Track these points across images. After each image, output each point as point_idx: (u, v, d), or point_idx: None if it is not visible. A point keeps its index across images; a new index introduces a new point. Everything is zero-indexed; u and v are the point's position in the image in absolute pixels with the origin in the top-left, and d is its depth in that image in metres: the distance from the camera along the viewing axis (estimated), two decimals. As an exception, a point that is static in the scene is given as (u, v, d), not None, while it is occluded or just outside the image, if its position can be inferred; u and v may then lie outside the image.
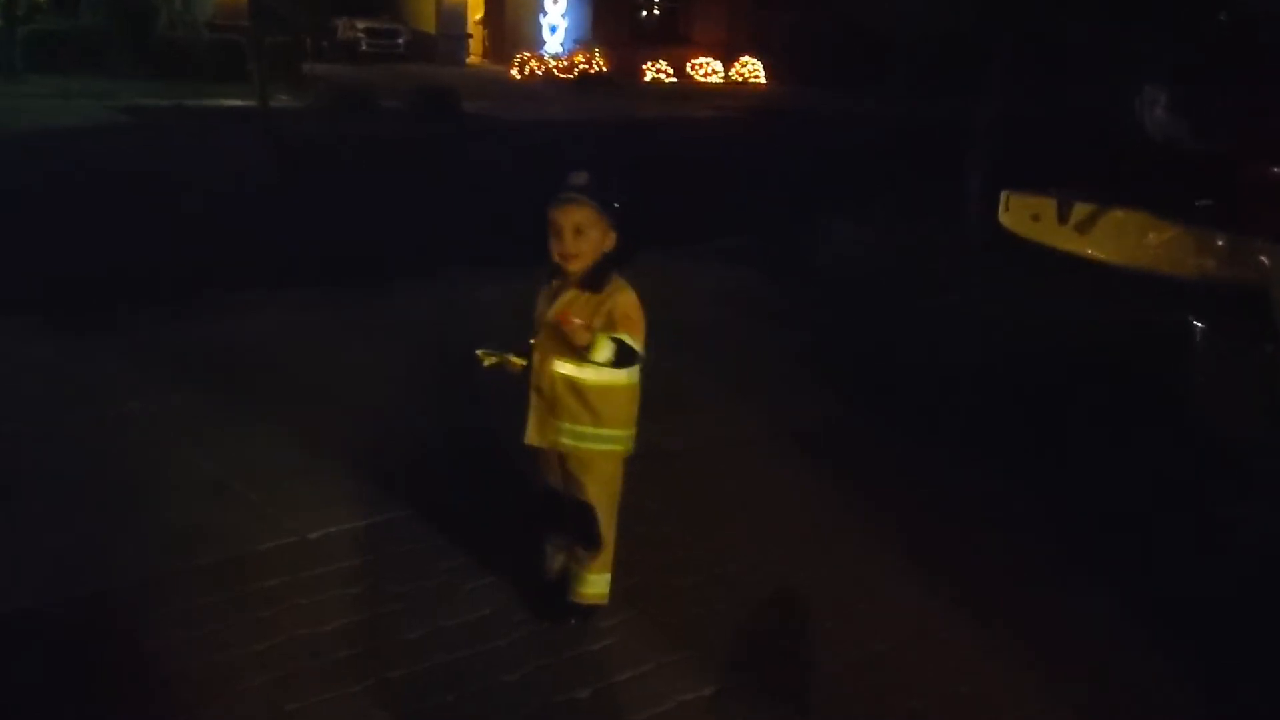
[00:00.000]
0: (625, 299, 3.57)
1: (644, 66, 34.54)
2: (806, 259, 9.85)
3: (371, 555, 4.23)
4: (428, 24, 38.97)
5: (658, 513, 4.67)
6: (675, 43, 36.37)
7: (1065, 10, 12.42)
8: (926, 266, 9.49)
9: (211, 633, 3.67)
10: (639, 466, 5.05)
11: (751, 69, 35.52)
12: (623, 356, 3.53)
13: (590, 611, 3.82)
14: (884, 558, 4.38)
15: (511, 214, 11.05)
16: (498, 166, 14.83)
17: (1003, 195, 4.39)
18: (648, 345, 3.62)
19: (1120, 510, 4.86)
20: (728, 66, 35.62)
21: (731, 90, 33.00)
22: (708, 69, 35.49)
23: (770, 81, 34.98)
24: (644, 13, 37.51)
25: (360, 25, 35.73)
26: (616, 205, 3.60)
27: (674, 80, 34.50)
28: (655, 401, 5.92)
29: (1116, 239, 3.97)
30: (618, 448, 3.76)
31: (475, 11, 40.41)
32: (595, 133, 19.29)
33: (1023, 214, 4.28)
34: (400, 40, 36.64)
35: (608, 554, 3.80)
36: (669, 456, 5.26)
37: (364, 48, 35.22)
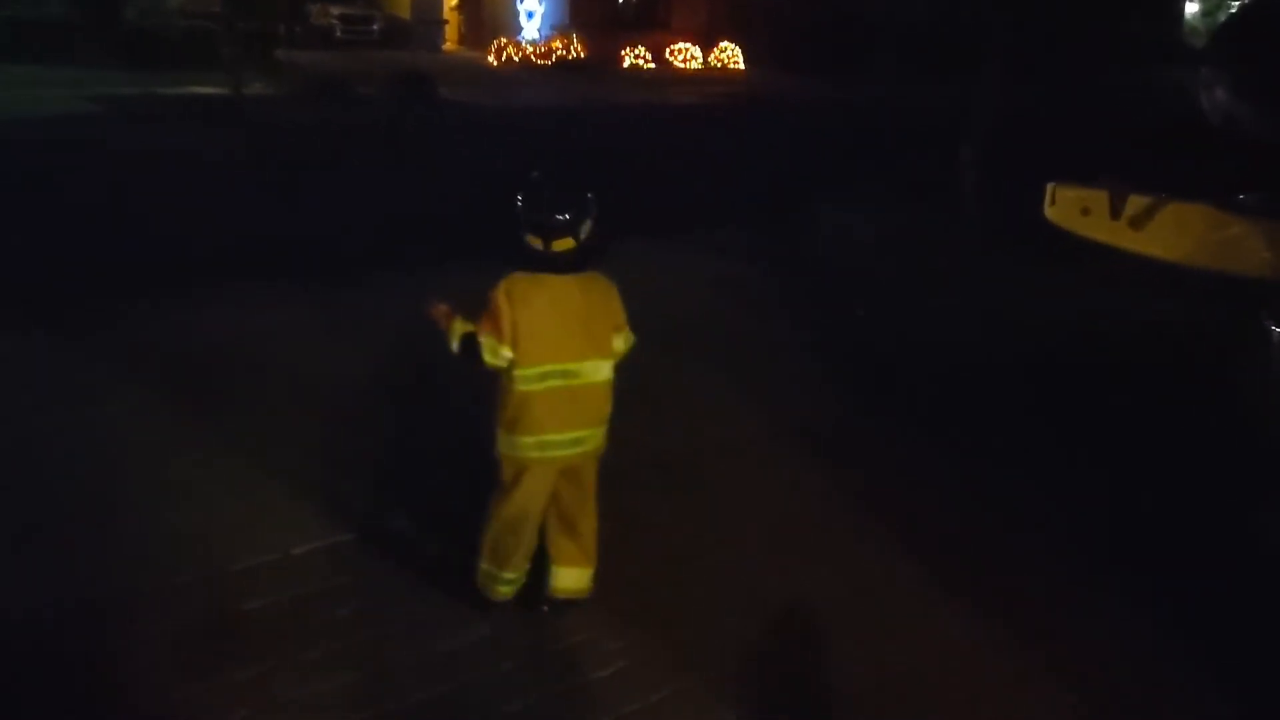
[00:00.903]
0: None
1: (622, 52, 34.12)
2: (799, 250, 9.62)
3: (360, 572, 3.99)
4: (403, 10, 38.43)
5: (664, 522, 4.46)
6: (653, 28, 35.94)
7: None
8: (924, 258, 9.27)
9: (192, 658, 3.43)
10: (640, 472, 4.88)
11: (730, 54, 35.14)
12: (464, 349, 3.48)
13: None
14: (897, 567, 4.18)
15: (494, 204, 10.87)
16: (479, 155, 14.49)
17: (1049, 188, 4.15)
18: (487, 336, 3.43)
19: (1141, 515, 4.66)
20: (706, 52, 35.23)
21: (711, 76, 32.62)
22: (687, 55, 35.07)
23: (749, 67, 34.64)
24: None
25: (335, 11, 35.11)
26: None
27: (653, 66, 34.10)
28: (655, 400, 5.76)
29: (1176, 235, 3.74)
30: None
31: (451, -3, 39.98)
32: (576, 121, 18.97)
33: (1071, 208, 4.04)
34: (375, 26, 36.07)
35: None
36: (672, 460, 5.05)
37: (339, 34, 34.62)
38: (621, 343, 3.57)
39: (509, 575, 3.70)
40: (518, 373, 3.44)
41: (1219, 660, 3.64)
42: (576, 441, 3.55)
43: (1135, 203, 3.81)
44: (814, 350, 6.83)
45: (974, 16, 11.59)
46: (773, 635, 3.74)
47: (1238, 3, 44.83)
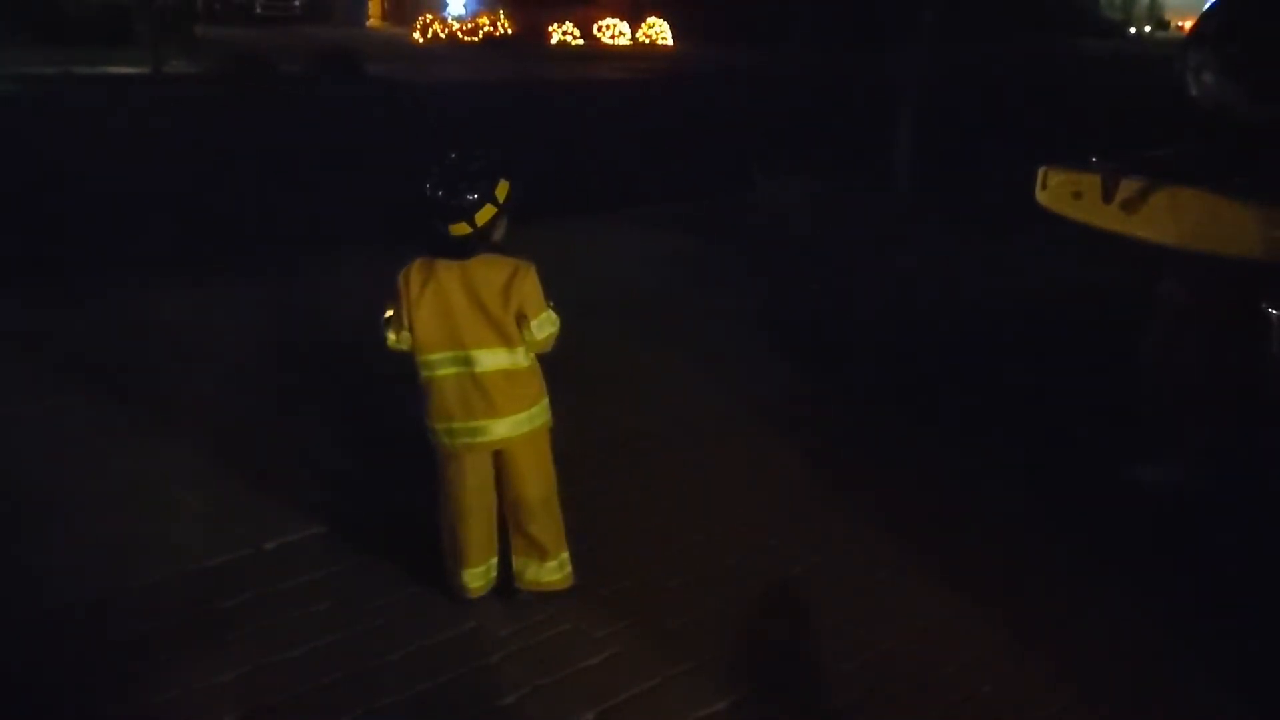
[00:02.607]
0: None
1: (550, 29, 33.92)
2: (739, 223, 9.61)
3: (336, 566, 3.90)
4: (324, -15, 37.86)
5: (639, 504, 4.44)
6: (580, 3, 35.75)
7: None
8: (863, 227, 9.34)
9: (168, 662, 3.33)
10: (611, 453, 4.85)
11: (658, 30, 35.11)
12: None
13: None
14: (876, 544, 4.18)
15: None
16: (408, 133, 14.29)
17: (1040, 171, 4.15)
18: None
19: (1105, 484, 4.72)
20: (634, 27, 35.16)
21: (639, 52, 32.56)
22: (614, 30, 34.99)
23: (678, 42, 34.61)
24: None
25: (254, -14, 34.51)
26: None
27: (581, 42, 33.97)
28: (612, 380, 5.73)
29: (1171, 219, 3.77)
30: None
31: (373, -28, 39.33)
32: (507, 98, 18.79)
33: (1063, 191, 4.05)
34: (296, 2, 35.49)
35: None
36: (639, 440, 5.03)
37: (258, 10, 34.02)
38: (536, 330, 3.41)
39: (470, 570, 3.64)
40: (419, 359, 3.45)
41: (1209, 636, 3.68)
42: (482, 430, 3.47)
43: (1128, 186, 3.83)
44: (762, 323, 6.84)
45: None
46: (759, 617, 3.73)
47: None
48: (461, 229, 3.32)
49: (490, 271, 3.36)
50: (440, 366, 3.43)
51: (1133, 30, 43.21)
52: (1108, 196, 3.86)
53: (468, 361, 3.40)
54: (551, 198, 8.63)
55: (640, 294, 7.26)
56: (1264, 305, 3.49)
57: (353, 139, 14.09)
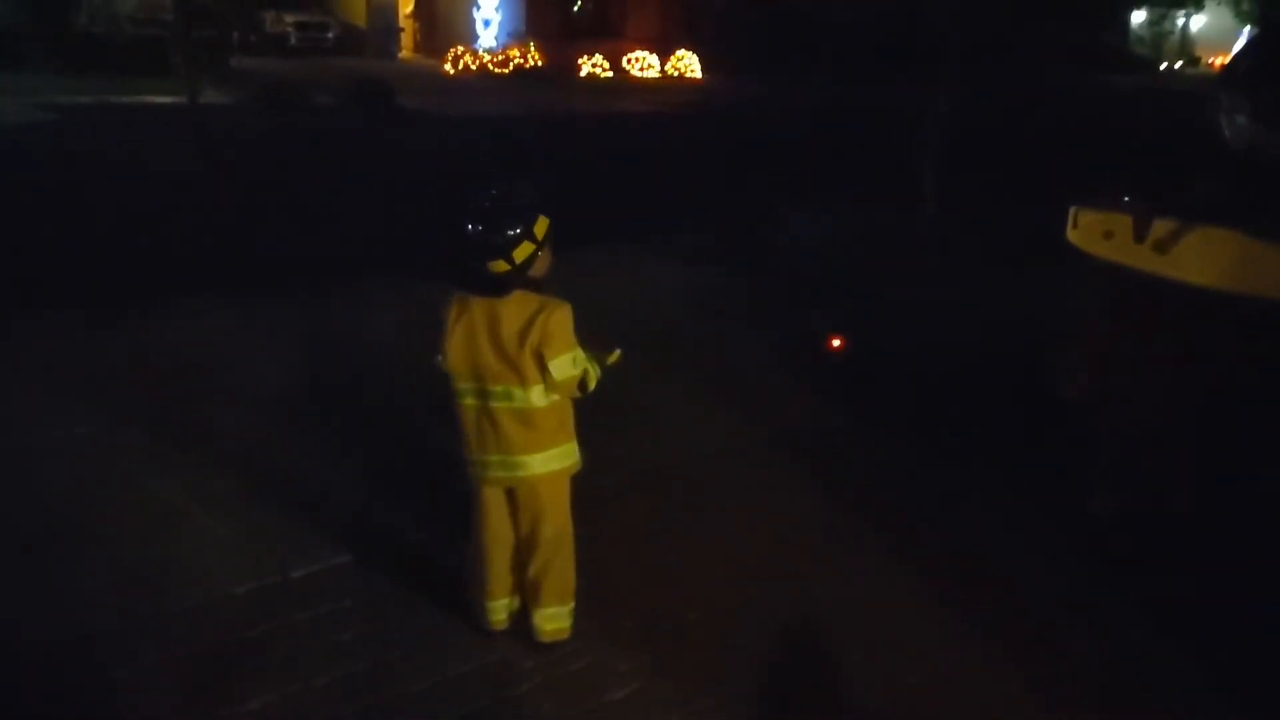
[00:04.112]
0: None
1: (579, 61, 34.14)
2: (765, 255, 9.62)
3: (361, 596, 3.92)
4: (358, 18, 38.18)
5: (657, 537, 4.44)
6: (610, 36, 35.97)
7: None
8: (888, 259, 9.34)
9: (195, 689, 3.35)
10: (628, 486, 4.85)
11: (687, 63, 35.30)
12: None
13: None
14: (899, 577, 4.17)
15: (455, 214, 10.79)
16: (442, 165, 14.41)
17: (1071, 211, 4.15)
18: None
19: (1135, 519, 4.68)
20: (663, 60, 35.34)
21: (669, 85, 32.70)
22: (644, 63, 35.16)
23: (706, 74, 34.77)
24: (577, 6, 37.12)
25: (289, 19, 34.80)
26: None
27: (610, 75, 34.14)
28: (633, 411, 5.73)
29: (1203, 260, 3.76)
30: None
31: (406, 5, 39.66)
32: (541, 130, 18.93)
33: (1094, 231, 4.05)
34: (330, 34, 35.80)
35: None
36: (657, 473, 5.03)
37: (293, 42, 34.33)
38: (555, 371, 3.34)
39: (492, 603, 3.65)
40: (451, 385, 3.49)
41: (1221, 660, 3.66)
42: (501, 464, 3.47)
43: (1160, 226, 3.83)
44: (787, 355, 6.83)
45: (928, 21, 11.75)
46: (782, 650, 3.72)
47: (1183, 15, 45.61)
48: (500, 266, 3.30)
49: (516, 310, 3.35)
50: (465, 396, 3.46)
51: (1163, 66, 43.06)
52: (1139, 237, 3.86)
53: (484, 395, 3.42)
54: (579, 228, 8.67)
55: (664, 325, 7.26)
56: None
57: (383, 169, 14.21)
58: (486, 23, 36.11)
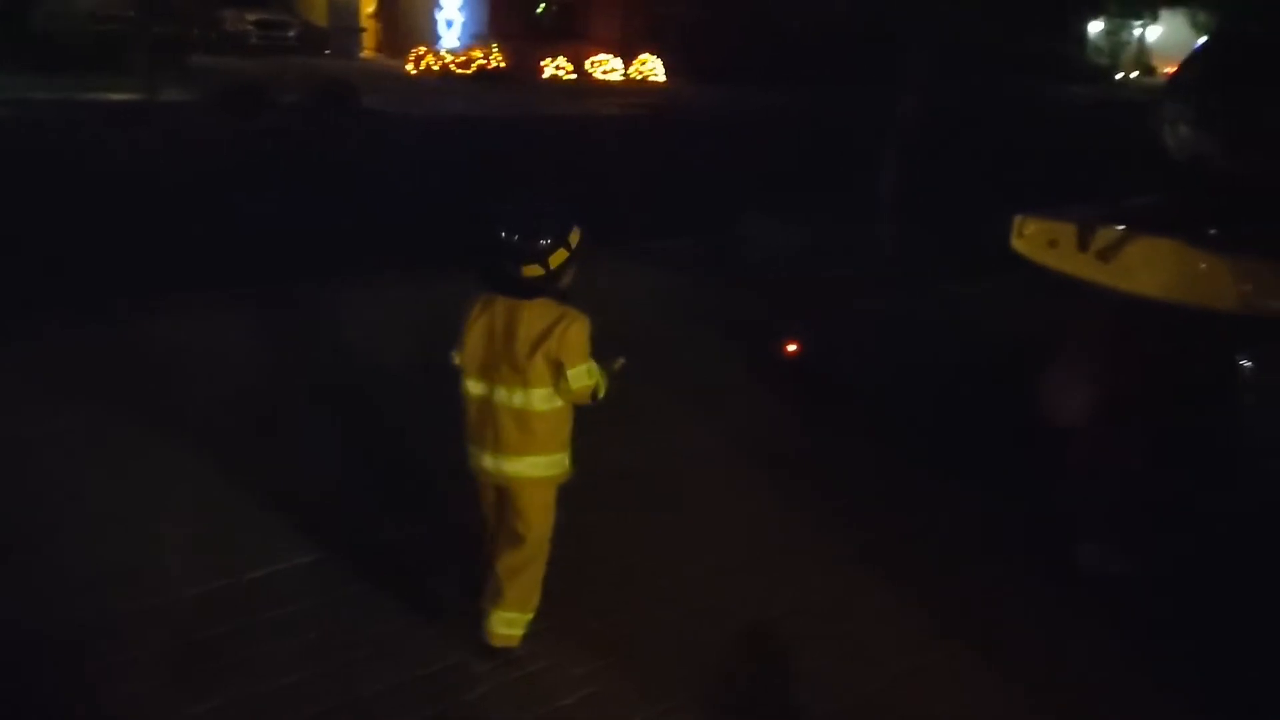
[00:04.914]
0: None
1: (542, 63, 34.10)
2: (726, 260, 9.68)
3: (321, 597, 3.93)
4: (319, 16, 37.92)
5: (622, 541, 4.47)
6: (573, 39, 35.94)
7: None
8: (849, 266, 9.42)
9: (153, 690, 3.36)
10: (599, 489, 4.87)
11: (650, 66, 35.35)
12: None
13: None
14: (860, 586, 4.23)
15: (429, 215, 10.78)
16: (401, 165, 14.38)
17: (1016, 220, 4.21)
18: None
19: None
20: (627, 64, 35.36)
21: (632, 87, 32.73)
22: (607, 66, 35.17)
23: (670, 78, 34.84)
24: (540, 8, 37.09)
25: (250, 17, 34.48)
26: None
27: (573, 77, 34.12)
28: (607, 416, 5.73)
29: (1145, 269, 3.84)
30: None
31: (368, 5, 39.47)
32: (507, 133, 18.91)
33: (1039, 240, 4.12)
34: (291, 33, 35.49)
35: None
36: (620, 477, 5.05)
37: (253, 40, 34.03)
38: (572, 380, 3.45)
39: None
40: (462, 379, 3.60)
41: (1189, 667, 3.74)
42: (488, 461, 3.56)
43: (1104, 235, 3.90)
44: (751, 362, 6.88)
45: (891, 28, 11.87)
46: (740, 657, 3.77)
47: (1140, 26, 46.21)
48: (534, 270, 3.42)
49: (537, 315, 3.45)
50: (472, 390, 3.57)
51: (1119, 76, 43.61)
52: (1083, 245, 3.93)
53: (490, 394, 3.52)
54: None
55: (630, 331, 7.26)
56: (1237, 358, 3.55)
57: (343, 169, 14.14)
58: (449, 23, 35.99)
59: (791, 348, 6.86)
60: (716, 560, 4.36)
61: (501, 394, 3.49)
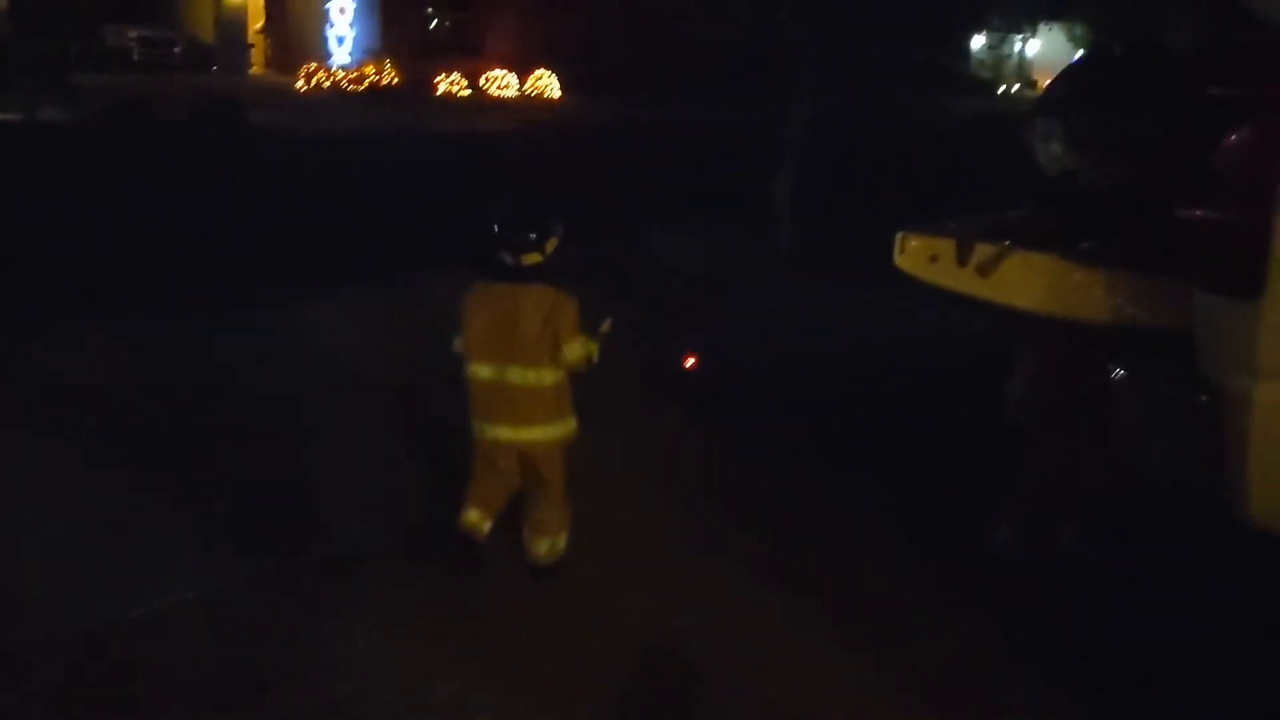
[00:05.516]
0: None
1: (437, 79, 33.85)
2: (623, 271, 9.68)
3: (215, 631, 3.83)
4: (205, 32, 37.19)
5: (519, 558, 4.41)
6: (468, 55, 35.74)
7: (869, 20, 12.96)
8: (745, 274, 9.53)
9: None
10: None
11: (546, 82, 35.33)
12: None
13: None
14: (760, 593, 4.27)
15: (316, 231, 10.60)
16: (295, 182, 14.10)
17: (898, 237, 4.28)
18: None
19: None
20: (522, 79, 35.30)
21: (527, 104, 32.67)
22: (502, 82, 35.06)
23: (565, 94, 34.87)
24: (434, 24, 36.86)
25: (132, 33, 33.62)
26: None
27: (468, 93, 33.93)
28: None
29: (1022, 283, 3.96)
30: None
31: (256, 20, 38.75)
32: (394, 149, 18.70)
33: (920, 256, 4.20)
34: (176, 49, 34.70)
35: None
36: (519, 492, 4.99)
37: (136, 57, 33.19)
38: (568, 352, 4.01)
39: (469, 509, 4.25)
40: (466, 365, 4.13)
41: (1094, 667, 3.82)
42: (507, 433, 4.12)
43: (982, 250, 4.01)
44: (646, 370, 6.87)
45: (784, 41, 12.05)
46: (646, 668, 3.78)
47: (1020, 39, 47.55)
48: (533, 258, 4.05)
49: (537, 299, 4.01)
50: (480, 373, 4.10)
51: (1002, 89, 44.86)
52: (962, 260, 4.03)
53: (501, 373, 4.05)
54: (433, 250, 8.65)
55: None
56: (1110, 367, 3.66)
57: (227, 187, 13.82)
58: (341, 39, 35.51)
59: (690, 361, 6.88)
60: (616, 573, 4.37)
61: (514, 373, 4.03)
